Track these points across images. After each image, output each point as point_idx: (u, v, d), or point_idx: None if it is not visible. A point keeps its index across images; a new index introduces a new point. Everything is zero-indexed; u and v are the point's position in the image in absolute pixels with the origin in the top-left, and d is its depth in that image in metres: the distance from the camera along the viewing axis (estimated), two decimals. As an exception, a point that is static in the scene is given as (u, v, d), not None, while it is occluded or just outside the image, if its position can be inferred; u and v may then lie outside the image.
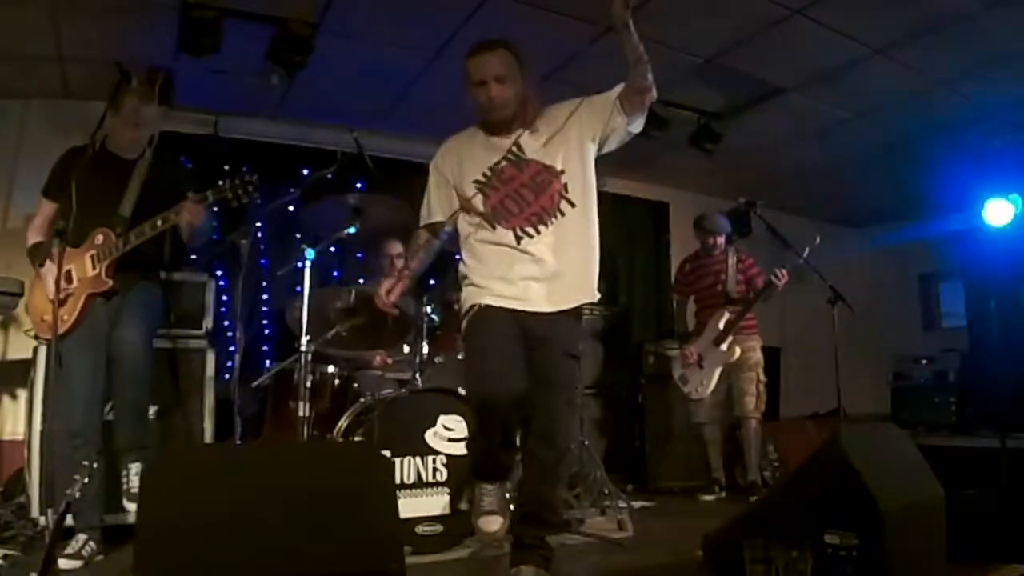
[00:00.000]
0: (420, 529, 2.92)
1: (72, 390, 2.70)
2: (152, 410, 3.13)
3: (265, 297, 4.78)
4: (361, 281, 4.69)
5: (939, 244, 6.67)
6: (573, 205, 2.36)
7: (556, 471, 2.37)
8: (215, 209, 2.88)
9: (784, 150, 5.56)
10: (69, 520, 2.62)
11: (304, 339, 2.92)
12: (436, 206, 2.53)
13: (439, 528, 2.96)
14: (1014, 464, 2.69)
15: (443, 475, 3.03)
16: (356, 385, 3.56)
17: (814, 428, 5.25)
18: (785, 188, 5.98)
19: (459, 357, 3.39)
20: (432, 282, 5.11)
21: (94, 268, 2.79)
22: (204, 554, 1.34)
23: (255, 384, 3.41)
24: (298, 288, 3.03)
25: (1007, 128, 4.94)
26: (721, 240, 4.62)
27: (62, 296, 2.67)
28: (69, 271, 2.76)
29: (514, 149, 2.39)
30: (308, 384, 2.91)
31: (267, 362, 4.57)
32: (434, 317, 3.47)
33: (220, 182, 2.80)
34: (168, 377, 3.29)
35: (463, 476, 3.04)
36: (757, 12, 3.73)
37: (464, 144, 2.51)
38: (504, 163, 2.38)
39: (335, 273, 5.01)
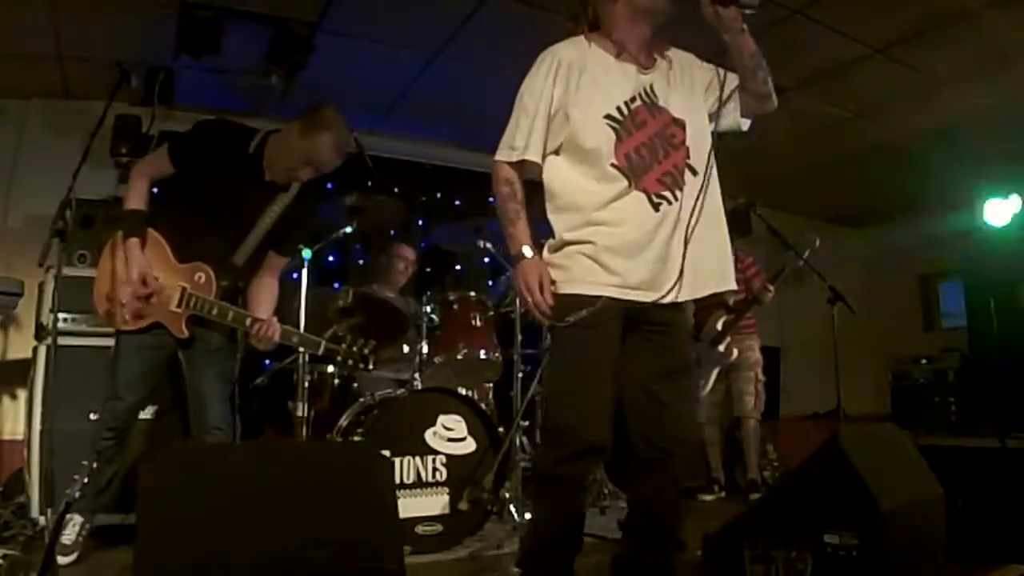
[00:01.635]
0: (420, 529, 2.92)
1: (118, 387, 2.55)
2: (152, 410, 3.13)
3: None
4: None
5: (939, 244, 6.67)
6: (695, 173, 1.89)
7: (683, 473, 1.95)
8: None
9: (784, 150, 5.55)
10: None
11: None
12: (539, 137, 1.88)
13: (439, 528, 2.96)
14: (1013, 464, 2.68)
15: (443, 475, 3.03)
16: (355, 385, 3.56)
17: (814, 428, 5.24)
18: (785, 188, 5.99)
19: (459, 357, 3.39)
20: (432, 282, 5.12)
21: (178, 306, 2.50)
22: (204, 554, 1.34)
23: (254, 384, 3.41)
24: (295, 275, 3.02)
25: (1007, 128, 4.94)
26: None
27: (139, 303, 2.47)
28: (157, 277, 2.48)
29: (648, 89, 1.89)
30: (307, 384, 2.91)
31: (266, 362, 4.56)
32: (433, 317, 3.47)
33: (340, 344, 2.67)
34: (168, 377, 3.28)
35: (463, 476, 3.04)
36: (757, 12, 3.72)
37: (592, 58, 1.89)
38: (640, 103, 1.87)
39: (336, 285, 5.00)
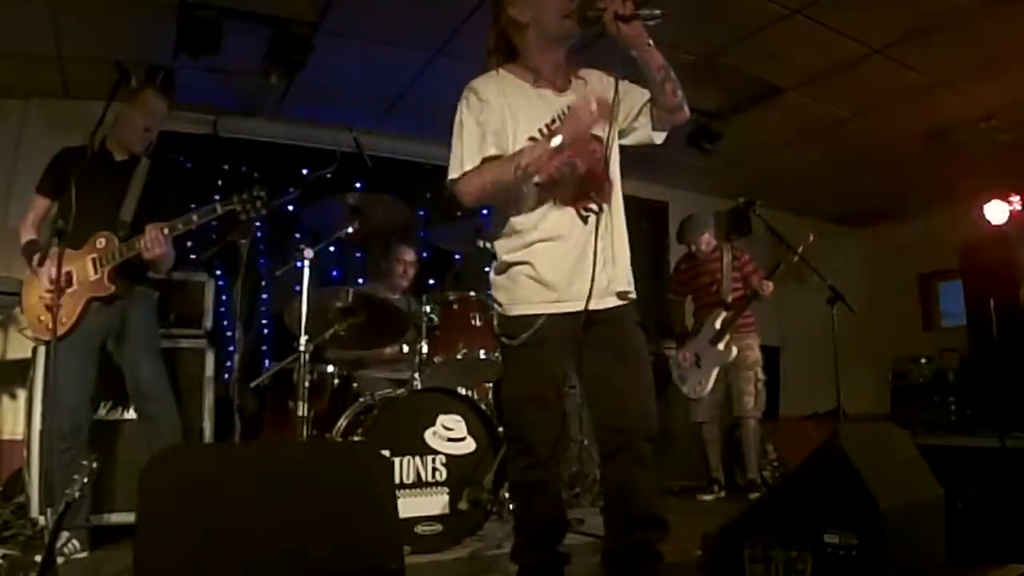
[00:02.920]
0: (420, 529, 2.92)
1: (61, 395, 2.66)
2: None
3: (264, 297, 4.79)
4: (360, 281, 4.71)
5: (939, 244, 6.67)
6: (610, 183, 2.04)
7: (650, 455, 1.99)
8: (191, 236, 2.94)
9: (784, 150, 5.56)
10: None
11: (303, 339, 2.91)
12: (490, 142, 1.96)
13: (439, 528, 2.96)
14: (1014, 464, 2.69)
15: (442, 475, 3.03)
16: (355, 385, 3.56)
17: (814, 428, 5.25)
18: (785, 188, 5.99)
19: (458, 357, 3.39)
20: (431, 282, 5.12)
21: (95, 272, 2.80)
22: (204, 554, 1.34)
23: (254, 384, 3.41)
24: (297, 288, 3.03)
25: (1007, 128, 4.94)
26: (705, 240, 4.58)
27: (57, 294, 2.66)
28: (69, 273, 2.76)
29: (566, 111, 1.98)
30: (307, 384, 2.91)
31: (266, 362, 4.57)
32: (433, 316, 3.46)
33: (233, 196, 2.77)
34: (167, 377, 3.28)
35: (462, 476, 3.04)
36: (757, 12, 3.73)
37: (510, 87, 2.01)
38: (556, 124, 1.97)
39: (334, 273, 5.02)
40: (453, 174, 2.00)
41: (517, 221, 1.99)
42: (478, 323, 3.46)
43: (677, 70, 2.03)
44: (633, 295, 2.08)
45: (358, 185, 4.52)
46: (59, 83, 4.27)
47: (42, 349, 3.10)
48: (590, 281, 1.89)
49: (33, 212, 2.97)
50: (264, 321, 4.77)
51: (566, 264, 1.94)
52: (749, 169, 5.80)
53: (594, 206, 1.97)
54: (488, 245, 3.69)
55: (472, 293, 3.59)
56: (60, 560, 2.57)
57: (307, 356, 2.92)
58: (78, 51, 3.93)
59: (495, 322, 2.12)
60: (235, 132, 4.84)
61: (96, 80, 3.91)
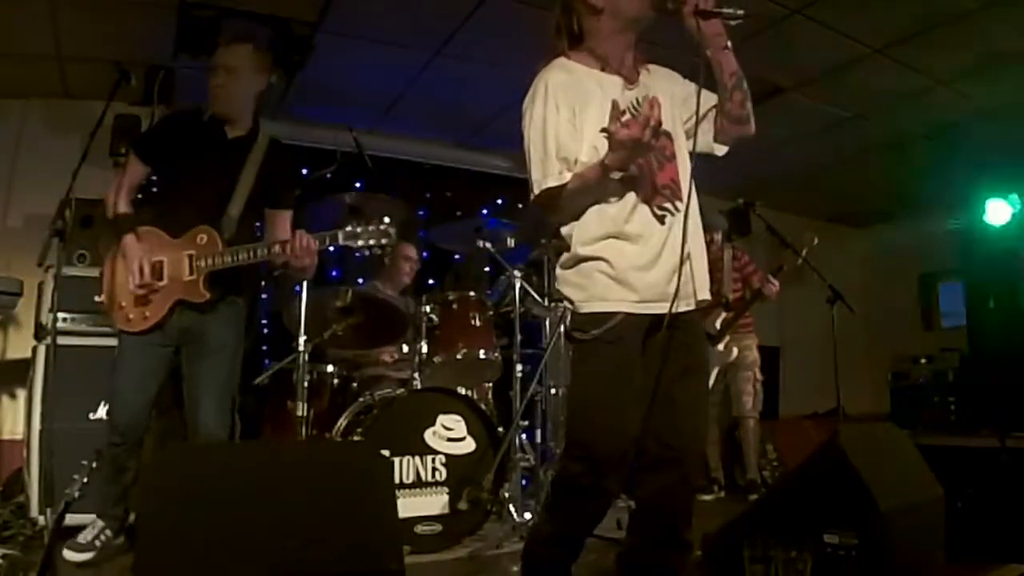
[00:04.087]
0: (419, 529, 2.92)
1: (124, 389, 2.55)
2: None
3: (264, 297, 4.78)
4: (360, 281, 4.70)
5: (939, 244, 6.67)
6: (685, 184, 1.90)
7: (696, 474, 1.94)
8: (331, 249, 2.59)
9: (784, 150, 5.55)
10: (69, 519, 2.62)
11: (301, 339, 2.91)
12: (572, 150, 1.82)
13: (438, 528, 2.96)
14: (1013, 464, 2.69)
15: (442, 475, 3.03)
16: (355, 385, 3.56)
17: (813, 428, 5.25)
18: (785, 188, 5.98)
19: (458, 357, 3.39)
20: (431, 281, 5.12)
21: (191, 273, 2.52)
22: (204, 554, 1.34)
23: (254, 384, 3.41)
24: (296, 288, 3.02)
25: (1007, 128, 4.94)
26: (717, 238, 4.59)
27: (145, 290, 2.50)
28: (160, 263, 2.53)
29: (636, 103, 1.87)
30: (306, 384, 2.91)
31: (266, 362, 4.56)
32: (433, 316, 3.47)
33: (355, 227, 2.57)
34: (168, 376, 3.27)
35: (462, 476, 3.04)
36: (757, 12, 3.72)
37: (581, 78, 1.87)
38: (630, 117, 1.80)
39: (334, 272, 5.01)
40: (532, 199, 1.88)
41: (595, 211, 1.84)
42: (478, 323, 3.46)
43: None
44: (708, 299, 1.97)
45: (358, 185, 4.51)
46: (59, 83, 4.27)
47: (42, 349, 3.10)
48: (675, 282, 1.76)
49: (128, 177, 2.65)
50: (264, 321, 4.77)
51: (643, 264, 1.82)
52: (749, 169, 5.79)
53: (670, 205, 1.87)
54: (488, 245, 3.69)
55: (472, 293, 3.60)
56: (89, 555, 2.53)
57: (306, 356, 2.92)
58: (78, 51, 3.92)
59: (567, 321, 1.93)
60: (235, 132, 4.82)
61: (96, 80, 3.92)
